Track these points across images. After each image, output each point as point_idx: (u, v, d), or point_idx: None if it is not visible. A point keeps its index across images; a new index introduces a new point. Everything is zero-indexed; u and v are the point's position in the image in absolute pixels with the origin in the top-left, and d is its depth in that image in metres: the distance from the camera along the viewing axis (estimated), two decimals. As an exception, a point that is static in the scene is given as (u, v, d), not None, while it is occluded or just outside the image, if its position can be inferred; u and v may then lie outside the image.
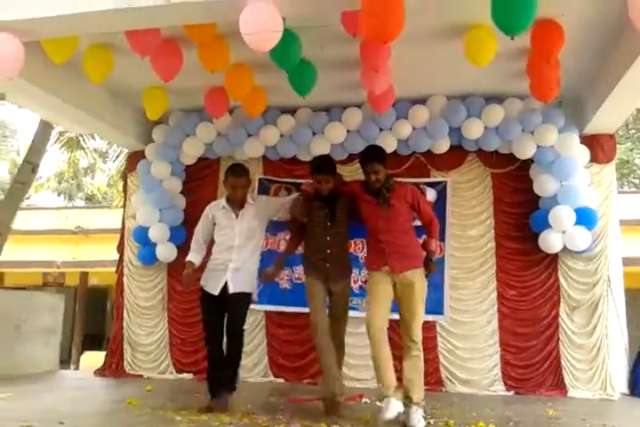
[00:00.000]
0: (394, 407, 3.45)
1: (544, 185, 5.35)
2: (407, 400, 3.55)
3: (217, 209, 4.31)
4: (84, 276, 13.68)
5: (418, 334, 3.74)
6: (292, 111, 5.89)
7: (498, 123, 5.42)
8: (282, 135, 5.88)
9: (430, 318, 5.43)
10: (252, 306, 5.78)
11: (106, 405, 4.46)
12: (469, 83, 5.32)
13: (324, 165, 4.31)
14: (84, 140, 12.79)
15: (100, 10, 3.49)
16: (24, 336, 5.89)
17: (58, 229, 14.12)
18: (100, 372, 6.07)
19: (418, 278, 3.85)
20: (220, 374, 4.02)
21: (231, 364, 4.14)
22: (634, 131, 18.28)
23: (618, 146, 16.19)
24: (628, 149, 17.11)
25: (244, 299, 4.15)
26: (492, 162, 5.72)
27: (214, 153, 6.12)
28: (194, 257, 4.28)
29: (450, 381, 5.39)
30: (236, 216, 4.23)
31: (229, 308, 4.11)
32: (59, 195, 22.63)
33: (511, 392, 5.26)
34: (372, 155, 4.00)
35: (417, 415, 3.51)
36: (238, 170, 4.28)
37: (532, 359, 5.33)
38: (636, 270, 8.40)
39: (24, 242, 13.73)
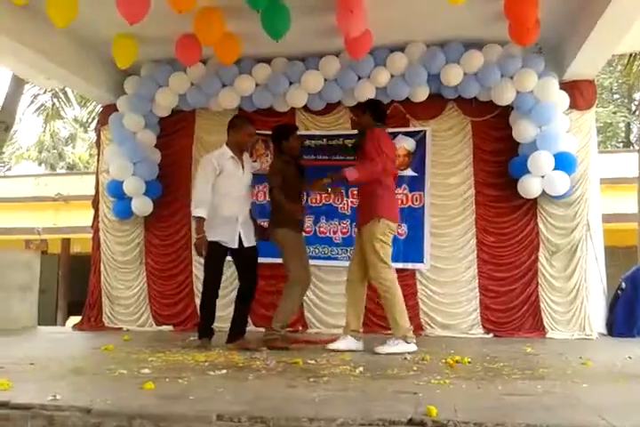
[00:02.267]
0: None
1: (523, 131, 5.30)
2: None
3: (224, 159, 4.36)
4: (67, 243, 13.62)
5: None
6: (267, 60, 5.75)
7: (477, 69, 5.34)
8: (257, 85, 5.76)
9: (410, 266, 5.48)
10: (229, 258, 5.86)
11: (81, 351, 4.48)
12: (448, 28, 5.21)
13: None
14: (63, 109, 12.58)
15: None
16: (-2, 293, 5.83)
17: (38, 196, 13.93)
18: (79, 326, 6.07)
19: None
20: (235, 321, 4.34)
21: (247, 312, 4.47)
22: (617, 95, 18.28)
23: (602, 109, 16.24)
24: (612, 112, 17.11)
25: (255, 252, 4.44)
26: (471, 110, 5.65)
27: (188, 105, 5.98)
28: (203, 212, 4.22)
29: (429, 325, 5.44)
30: (242, 166, 4.38)
31: (247, 261, 4.38)
32: (40, 164, 22.36)
33: (490, 335, 5.33)
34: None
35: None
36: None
37: (511, 303, 5.38)
38: (618, 227, 8.48)
39: (4, 209, 13.61)
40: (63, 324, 12.41)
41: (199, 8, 4.45)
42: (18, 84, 8.36)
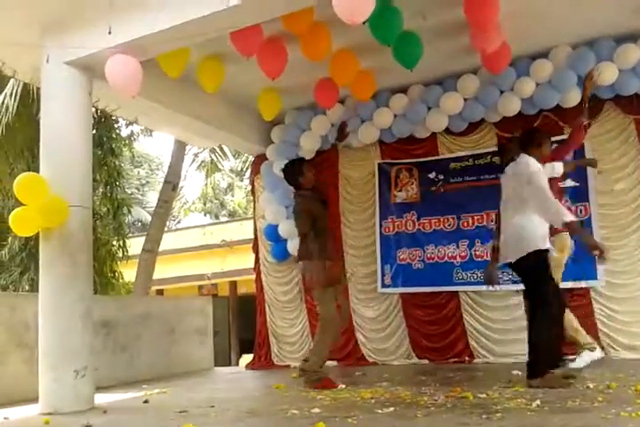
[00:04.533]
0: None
1: None
2: None
3: None
4: (234, 285, 14.47)
5: None
6: (403, 90, 5.74)
7: (634, 63, 4.86)
8: (395, 115, 5.75)
9: (583, 284, 5.02)
10: (385, 290, 5.83)
11: (255, 391, 4.64)
12: (594, 25, 4.83)
13: None
14: (220, 162, 13.64)
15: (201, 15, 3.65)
16: (178, 338, 6.27)
17: (205, 244, 15.04)
18: (251, 365, 6.33)
19: None
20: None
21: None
22: None
23: None
24: None
25: None
26: (632, 107, 5.13)
27: (330, 144, 6.12)
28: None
29: (612, 348, 4.88)
30: None
31: None
32: (205, 215, 24.24)
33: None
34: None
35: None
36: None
37: None
38: None
39: (178, 260, 14.85)
40: (237, 362, 13.10)
41: (333, 52, 4.59)
42: (180, 146, 9.22)
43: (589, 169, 5.14)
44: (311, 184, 4.51)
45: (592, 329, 4.86)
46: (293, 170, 4.54)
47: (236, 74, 5.07)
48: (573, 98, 5.15)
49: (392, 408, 2.96)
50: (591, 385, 3.35)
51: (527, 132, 4.09)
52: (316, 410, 3.04)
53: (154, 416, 3.39)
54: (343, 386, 4.01)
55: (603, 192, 5.17)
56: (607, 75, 4.89)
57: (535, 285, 3.61)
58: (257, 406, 3.46)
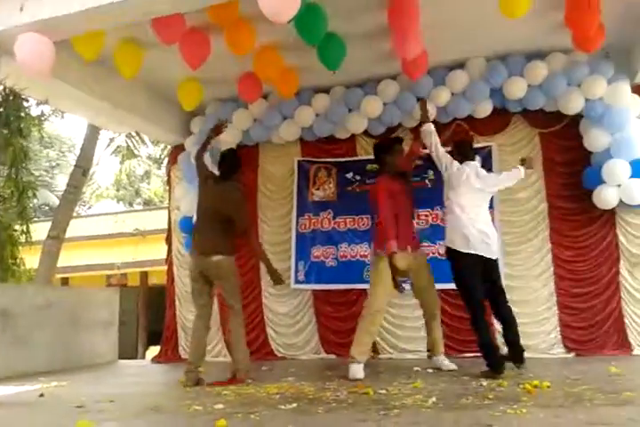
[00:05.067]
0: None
1: (595, 139, 5.07)
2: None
3: None
4: (144, 275, 14.11)
5: None
6: (326, 90, 5.83)
7: (542, 79, 5.17)
8: (317, 115, 5.82)
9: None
10: (298, 286, 5.88)
11: (158, 386, 4.56)
12: (508, 41, 5.11)
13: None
14: (137, 148, 13.23)
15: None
16: (81, 330, 6.06)
17: (117, 232, 14.57)
18: (157, 359, 6.24)
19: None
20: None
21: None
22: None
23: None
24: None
25: None
26: (538, 121, 5.47)
27: (251, 139, 6.12)
28: None
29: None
30: None
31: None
32: (118, 202, 23.42)
33: (572, 354, 5.06)
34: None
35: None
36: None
37: (593, 320, 5.09)
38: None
39: (86, 247, 14.29)
40: (144, 353, 12.83)
41: (257, 47, 4.58)
42: (93, 130, 8.86)
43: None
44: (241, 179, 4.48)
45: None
46: (237, 159, 4.43)
47: (157, 61, 4.97)
48: (485, 109, 5.42)
49: (295, 404, 3.01)
50: (484, 383, 3.54)
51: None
52: (220, 406, 3.04)
53: (47, 411, 3.27)
54: (250, 381, 4.03)
55: (505, 200, 5.46)
56: (516, 89, 5.17)
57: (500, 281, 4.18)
58: (159, 401, 3.40)
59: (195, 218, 4.70)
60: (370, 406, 2.90)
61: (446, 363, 4.35)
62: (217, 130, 4.63)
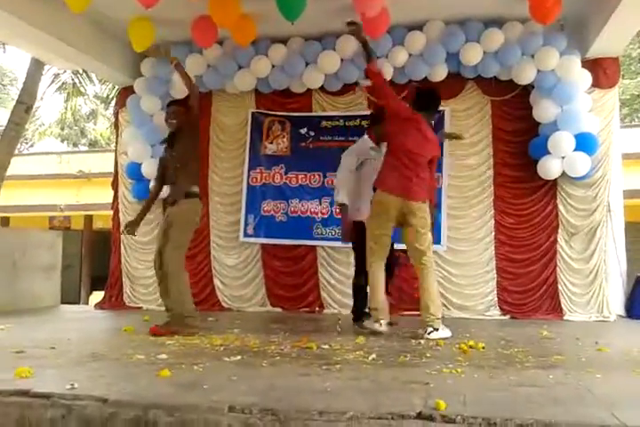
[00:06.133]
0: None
1: (544, 110, 5.20)
2: None
3: None
4: (89, 219, 13.82)
5: None
6: (283, 41, 5.69)
7: (497, 47, 5.23)
8: (273, 66, 5.71)
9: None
10: (247, 239, 5.91)
11: (101, 333, 4.57)
12: (468, 7, 5.10)
13: None
14: (84, 86, 12.58)
15: None
16: (22, 272, 5.96)
17: (60, 173, 14.12)
18: (100, 305, 6.22)
19: None
20: None
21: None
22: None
23: (629, 81, 15.67)
24: (639, 83, 16.57)
25: None
26: (491, 89, 5.56)
27: (205, 86, 5.95)
28: None
29: (446, 307, 5.40)
30: None
31: None
32: (62, 141, 22.55)
33: (507, 317, 5.34)
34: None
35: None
36: None
37: (529, 285, 5.36)
38: (639, 203, 8.35)
39: (28, 187, 13.81)
40: (87, 299, 12.72)
41: (213, -11, 4.40)
42: (37, 65, 8.40)
43: (445, 141, 5.50)
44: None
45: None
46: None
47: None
48: (441, 72, 5.45)
49: (239, 357, 3.10)
50: (422, 342, 3.73)
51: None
52: (163, 356, 3.09)
53: (-13, 356, 3.25)
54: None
55: (454, 164, 5.60)
56: (472, 55, 5.20)
57: None
58: (101, 348, 3.42)
59: None
60: (313, 360, 3.02)
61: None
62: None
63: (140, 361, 2.98)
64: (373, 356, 3.11)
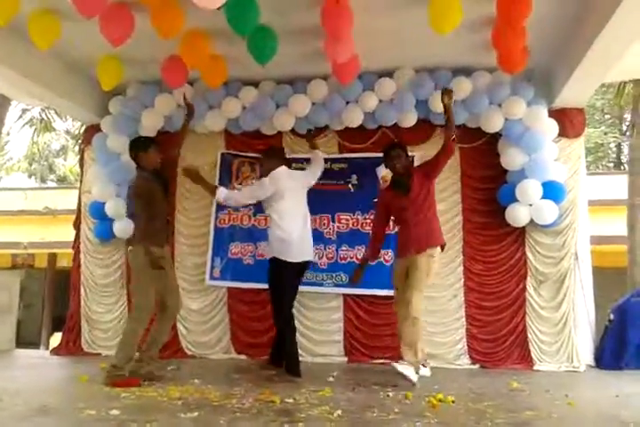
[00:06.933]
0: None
1: (512, 158, 5.25)
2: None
3: None
4: (53, 257, 13.46)
5: None
6: (255, 83, 5.70)
7: (465, 96, 5.28)
8: (244, 108, 5.69)
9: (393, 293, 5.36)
10: (213, 282, 5.76)
11: (53, 382, 4.34)
12: (437, 55, 5.19)
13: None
14: (53, 121, 12.49)
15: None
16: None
17: (25, 209, 13.80)
18: (57, 350, 5.92)
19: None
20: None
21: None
22: (608, 115, 18.32)
23: (593, 130, 16.17)
24: (603, 132, 17.16)
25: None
26: (460, 136, 5.53)
27: (175, 126, 5.87)
28: None
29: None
30: None
31: None
32: (30, 176, 22.17)
33: (477, 366, 5.22)
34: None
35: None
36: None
37: (499, 333, 5.27)
38: (606, 249, 8.45)
39: (-9, 223, 13.45)
40: (47, 339, 12.26)
41: (185, 31, 4.39)
42: (3, 100, 8.29)
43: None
44: (153, 166, 4.30)
45: (396, 337, 5.25)
46: (138, 146, 4.32)
47: (76, 34, 4.64)
48: (410, 118, 5.49)
49: (197, 413, 2.94)
50: (390, 394, 3.60)
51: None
52: (115, 412, 2.92)
53: None
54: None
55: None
56: (438, 105, 5.27)
57: None
58: (51, 401, 3.23)
59: None
60: (275, 417, 2.87)
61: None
62: (190, 110, 4.78)
63: (90, 417, 2.82)
64: (339, 412, 2.98)
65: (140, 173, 4.28)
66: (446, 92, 4.40)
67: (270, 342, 5.45)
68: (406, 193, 4.33)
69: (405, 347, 4.08)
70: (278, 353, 4.54)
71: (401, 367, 3.92)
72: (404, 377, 3.90)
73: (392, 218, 4.65)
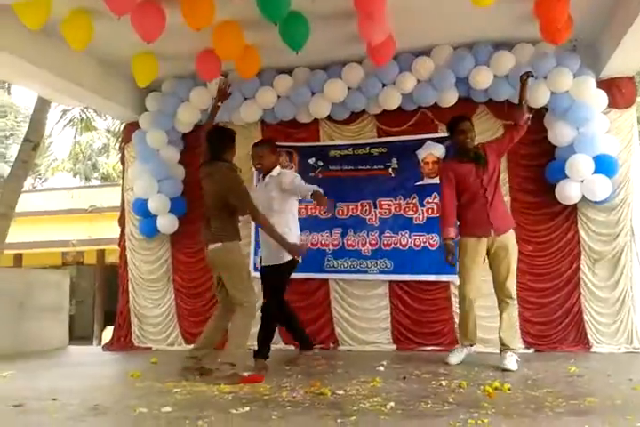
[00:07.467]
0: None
1: (559, 133, 5.02)
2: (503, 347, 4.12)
3: None
4: (101, 253, 13.79)
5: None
6: (289, 71, 5.62)
7: (508, 70, 5.08)
8: (279, 97, 5.62)
9: (444, 278, 5.25)
10: (257, 274, 5.72)
11: (106, 378, 4.39)
12: (476, 30, 4.99)
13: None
14: (94, 121, 12.68)
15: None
16: (28, 314, 5.82)
17: (72, 208, 14.15)
18: (109, 346, 6.04)
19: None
20: None
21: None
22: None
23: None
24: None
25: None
26: (503, 113, 5.37)
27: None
28: None
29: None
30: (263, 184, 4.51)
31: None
32: (74, 176, 22.72)
33: (531, 350, 5.05)
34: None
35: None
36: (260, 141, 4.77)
37: (553, 315, 5.09)
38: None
39: (40, 223, 13.83)
40: (100, 333, 12.58)
41: (217, 23, 4.34)
42: (43, 103, 8.43)
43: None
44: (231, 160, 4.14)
45: (451, 321, 5.20)
46: (232, 137, 4.17)
47: (109, 33, 4.64)
48: (450, 97, 5.31)
49: (247, 408, 2.90)
50: (444, 383, 3.48)
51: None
52: (167, 409, 2.90)
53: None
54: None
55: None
56: (482, 79, 5.07)
57: None
58: (104, 399, 3.24)
59: None
60: (327, 410, 2.80)
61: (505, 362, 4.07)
62: (222, 94, 4.58)
63: (142, 415, 2.81)
64: (392, 404, 2.89)
65: (223, 164, 4.02)
66: (526, 73, 4.36)
67: (317, 331, 5.45)
68: (485, 166, 4.17)
69: (510, 332, 4.15)
70: (301, 337, 4.69)
71: (508, 361, 3.98)
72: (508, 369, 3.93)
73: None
